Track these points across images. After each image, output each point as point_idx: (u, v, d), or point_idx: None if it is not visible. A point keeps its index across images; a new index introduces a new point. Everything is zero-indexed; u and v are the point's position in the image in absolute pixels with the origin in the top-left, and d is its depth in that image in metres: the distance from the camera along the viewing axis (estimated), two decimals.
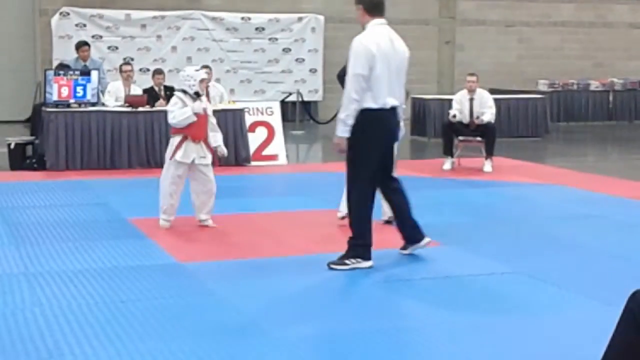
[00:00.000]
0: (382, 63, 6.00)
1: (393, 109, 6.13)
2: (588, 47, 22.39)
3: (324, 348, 4.51)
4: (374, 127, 6.03)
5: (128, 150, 11.27)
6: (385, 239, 7.14)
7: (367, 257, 6.11)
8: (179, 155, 7.36)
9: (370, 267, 6.08)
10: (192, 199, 7.58)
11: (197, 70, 7.62)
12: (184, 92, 7.44)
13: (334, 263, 6.10)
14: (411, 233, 6.45)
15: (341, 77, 15.35)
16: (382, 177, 6.29)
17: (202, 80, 7.48)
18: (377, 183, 6.28)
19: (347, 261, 6.09)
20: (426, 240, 6.45)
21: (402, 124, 6.67)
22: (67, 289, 5.47)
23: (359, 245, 6.12)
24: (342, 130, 6.02)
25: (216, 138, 7.64)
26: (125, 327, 4.71)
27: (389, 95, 6.06)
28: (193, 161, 7.41)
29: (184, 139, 7.38)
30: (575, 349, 4.49)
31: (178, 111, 7.36)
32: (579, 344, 4.55)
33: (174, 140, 7.43)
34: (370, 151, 6.09)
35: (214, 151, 7.59)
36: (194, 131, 7.39)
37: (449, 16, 21.35)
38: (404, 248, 6.53)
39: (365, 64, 5.96)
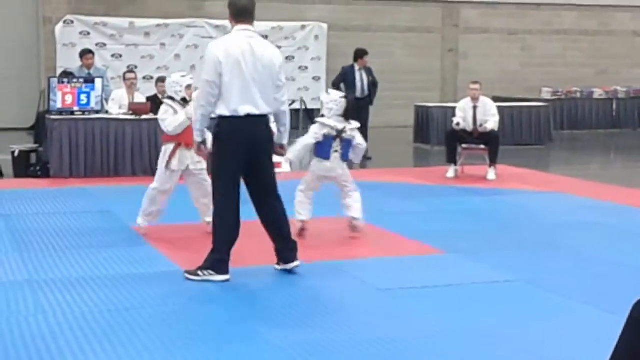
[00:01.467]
0: (232, 69, 5.82)
1: (250, 117, 5.86)
2: (591, 55, 22.40)
3: (324, 355, 4.50)
4: (228, 135, 5.89)
5: (132, 157, 11.29)
6: (386, 247, 7.17)
7: (221, 271, 5.92)
8: (174, 164, 7.36)
9: (225, 281, 5.88)
10: (195, 205, 7.60)
11: (182, 77, 7.56)
12: (172, 98, 7.45)
13: (188, 272, 6.00)
14: (285, 253, 6.23)
15: (336, 85, 15.53)
16: (258, 192, 6.13)
17: (188, 87, 7.48)
18: (253, 199, 6.16)
19: (199, 272, 5.95)
20: (296, 263, 6.20)
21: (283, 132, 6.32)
22: (71, 297, 5.48)
23: (214, 258, 5.96)
24: (195, 135, 6.05)
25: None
26: (129, 334, 4.72)
27: (244, 103, 5.84)
28: (187, 167, 7.41)
29: (177, 146, 7.38)
30: (579, 358, 4.48)
31: (171, 118, 7.35)
32: (582, 353, 4.55)
33: (167, 148, 7.41)
34: (226, 160, 5.94)
35: (207, 157, 7.60)
36: (187, 137, 7.27)
37: (452, 24, 21.38)
38: (277, 264, 6.30)
39: (212, 70, 5.83)
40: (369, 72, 14.16)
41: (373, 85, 14.32)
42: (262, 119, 5.97)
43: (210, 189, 7.11)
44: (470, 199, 9.76)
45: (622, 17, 22.62)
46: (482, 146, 11.60)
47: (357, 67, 14.07)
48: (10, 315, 5.06)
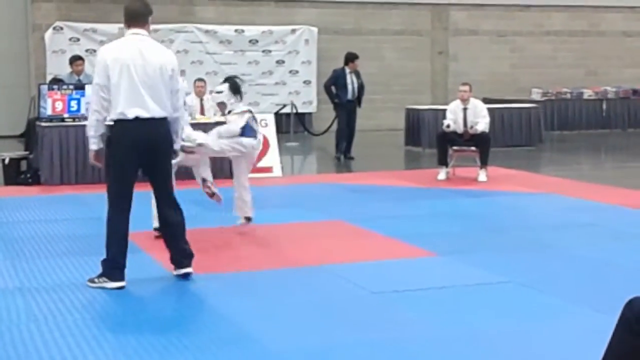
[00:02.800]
0: (120, 72, 5.78)
1: (139, 120, 5.80)
2: (581, 56, 22.48)
3: None
4: (117, 138, 5.87)
5: None
6: (379, 250, 7.17)
7: (115, 278, 5.85)
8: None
9: (120, 288, 5.81)
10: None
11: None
12: None
13: (90, 279, 5.97)
14: (177, 258, 6.19)
15: (328, 87, 15.63)
16: (157, 196, 6.17)
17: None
18: (156, 200, 6.17)
19: (96, 279, 5.92)
20: (189, 269, 6.15)
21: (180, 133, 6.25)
22: (63, 304, 5.46)
23: (107, 265, 5.91)
24: (90, 143, 6.00)
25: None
26: (122, 341, 4.71)
27: (132, 106, 5.78)
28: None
29: None
30: (571, 358, 4.49)
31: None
32: (575, 353, 4.56)
33: None
34: (115, 164, 5.93)
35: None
36: None
37: (442, 27, 21.43)
38: (174, 269, 6.26)
39: (102, 73, 5.82)
40: (357, 75, 14.32)
41: (361, 87, 14.43)
42: (155, 121, 5.87)
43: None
44: (462, 201, 9.77)
45: (611, 18, 22.71)
46: (473, 148, 11.62)
47: (347, 71, 14.21)
48: (2, 323, 5.04)
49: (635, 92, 20.82)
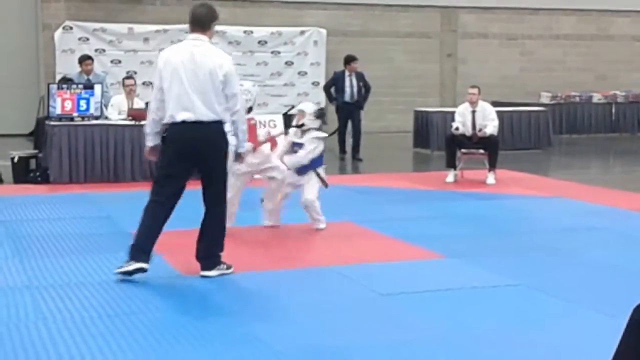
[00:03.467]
0: (170, 76, 5.98)
1: (186, 123, 5.97)
2: (590, 60, 22.43)
3: None
4: (166, 140, 6.15)
5: (131, 163, 11.30)
6: (388, 252, 7.16)
7: (139, 259, 5.98)
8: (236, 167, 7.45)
9: (140, 269, 5.96)
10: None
11: (253, 86, 7.84)
12: None
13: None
14: (202, 261, 6.28)
15: (326, 89, 15.79)
16: (203, 197, 6.25)
17: None
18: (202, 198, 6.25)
19: (124, 264, 6.04)
20: (202, 272, 6.21)
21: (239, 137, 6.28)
22: (71, 302, 5.47)
23: (133, 248, 6.07)
24: (146, 140, 6.34)
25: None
26: (129, 339, 4.71)
27: (181, 109, 5.96)
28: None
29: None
30: None
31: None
32: (583, 356, 4.55)
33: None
34: (162, 162, 6.21)
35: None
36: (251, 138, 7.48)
37: (451, 29, 21.41)
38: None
39: (157, 76, 6.09)
40: (360, 77, 14.44)
41: (365, 90, 14.49)
42: (202, 125, 5.99)
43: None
44: (470, 204, 9.76)
45: (620, 22, 22.66)
46: (482, 151, 11.61)
47: (347, 73, 14.35)
48: (10, 321, 5.06)
49: None
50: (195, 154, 6.05)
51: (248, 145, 6.57)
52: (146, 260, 6.02)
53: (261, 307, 5.44)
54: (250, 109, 7.62)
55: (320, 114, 8.16)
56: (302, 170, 8.03)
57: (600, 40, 22.51)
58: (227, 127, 6.16)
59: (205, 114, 5.97)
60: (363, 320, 5.22)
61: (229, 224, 7.29)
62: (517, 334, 4.92)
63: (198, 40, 6.07)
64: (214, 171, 6.18)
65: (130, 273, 5.98)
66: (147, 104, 12.18)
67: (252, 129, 7.59)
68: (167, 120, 6.04)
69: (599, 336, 4.66)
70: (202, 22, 6.10)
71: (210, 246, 6.26)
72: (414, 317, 5.29)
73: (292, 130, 8.26)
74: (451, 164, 11.66)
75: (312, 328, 5.04)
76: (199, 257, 6.26)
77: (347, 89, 14.32)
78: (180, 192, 6.17)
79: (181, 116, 5.96)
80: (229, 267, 6.29)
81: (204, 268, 6.22)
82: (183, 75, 5.94)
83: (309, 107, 8.20)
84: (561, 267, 6.63)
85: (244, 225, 8.23)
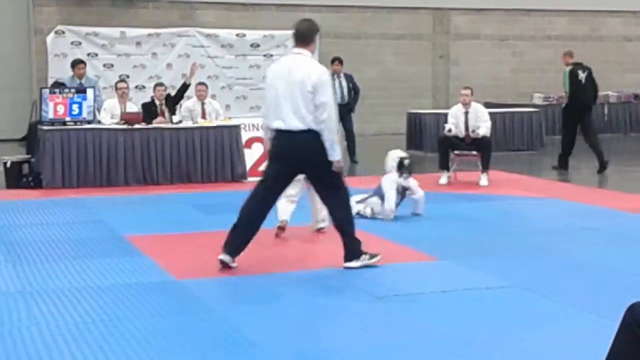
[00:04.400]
0: (271, 88, 6.49)
1: (279, 131, 6.40)
2: (582, 60, 22.31)
3: None
4: (270, 148, 6.62)
5: (124, 167, 11.28)
6: (383, 254, 7.15)
7: (226, 251, 6.48)
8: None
9: (223, 261, 6.44)
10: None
11: None
12: None
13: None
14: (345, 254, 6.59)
15: None
16: (323, 202, 6.78)
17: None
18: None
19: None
20: (346, 264, 6.53)
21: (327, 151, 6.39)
22: (64, 307, 5.46)
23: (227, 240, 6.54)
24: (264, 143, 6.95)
25: None
26: (123, 344, 4.71)
27: (274, 119, 6.42)
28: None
29: None
30: None
31: None
32: (576, 357, 4.56)
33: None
34: (266, 168, 6.71)
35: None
36: None
37: (443, 31, 21.44)
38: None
39: (266, 87, 6.69)
40: (349, 79, 14.43)
41: (354, 92, 14.48)
42: (292, 134, 6.35)
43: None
44: (463, 205, 9.77)
45: (612, 23, 22.72)
46: (474, 152, 11.63)
47: (335, 75, 14.35)
48: (4, 327, 5.04)
49: (636, 96, 20.82)
50: (289, 160, 6.45)
51: (338, 154, 6.51)
52: (231, 253, 6.47)
53: (255, 311, 5.43)
54: None
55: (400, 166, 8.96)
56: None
57: (592, 40, 22.56)
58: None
59: (294, 124, 6.31)
60: (357, 323, 5.22)
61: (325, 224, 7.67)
62: (510, 335, 4.93)
63: (300, 55, 6.52)
64: (321, 176, 6.51)
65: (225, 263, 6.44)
66: (144, 105, 12.22)
67: None
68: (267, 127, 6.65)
69: (591, 337, 4.68)
70: (304, 37, 6.59)
71: (350, 240, 6.54)
72: (408, 320, 5.29)
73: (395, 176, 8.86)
74: (444, 166, 11.67)
75: (306, 331, 5.04)
76: (345, 252, 6.55)
77: (337, 91, 14.28)
78: (278, 194, 6.69)
79: (275, 125, 6.41)
80: (372, 257, 6.58)
81: (346, 260, 6.54)
82: (279, 86, 6.37)
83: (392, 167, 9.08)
84: (554, 268, 6.64)
85: None
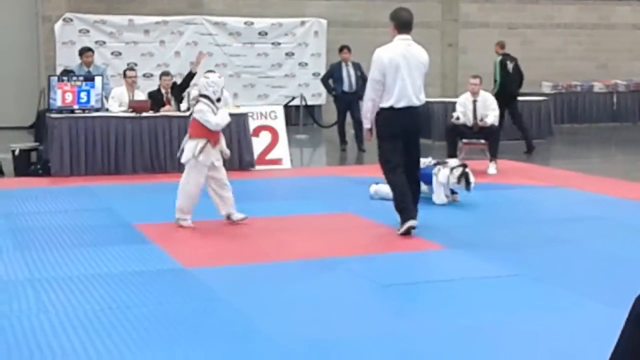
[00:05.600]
0: (395, 71, 7.46)
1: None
2: (591, 49, 22.37)
3: (329, 353, 4.50)
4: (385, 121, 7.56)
5: (132, 155, 11.29)
6: (387, 243, 7.16)
7: (404, 218, 7.31)
8: (202, 158, 7.59)
9: (411, 227, 7.26)
10: (213, 199, 7.85)
11: (219, 77, 7.92)
12: (207, 97, 7.68)
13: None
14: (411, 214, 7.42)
15: (324, 81, 16.07)
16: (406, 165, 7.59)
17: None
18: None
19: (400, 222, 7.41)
20: (413, 222, 7.31)
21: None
22: (73, 295, 5.48)
23: (397, 208, 7.43)
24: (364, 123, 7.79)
25: (222, 141, 7.94)
26: (131, 332, 4.72)
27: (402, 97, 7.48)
28: (212, 164, 7.69)
29: (207, 143, 7.63)
30: (581, 352, 4.48)
31: (217, 117, 7.65)
32: (584, 347, 4.55)
33: (199, 143, 7.61)
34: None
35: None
36: (215, 136, 7.73)
37: (452, 19, 21.35)
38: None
39: (379, 71, 7.50)
40: (357, 67, 14.44)
41: (362, 80, 14.46)
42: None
43: (228, 183, 7.77)
44: (471, 194, 9.73)
45: (622, 11, 22.59)
46: (482, 141, 11.60)
47: (343, 63, 14.37)
48: (12, 314, 5.06)
49: None
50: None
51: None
52: (410, 217, 7.26)
53: (262, 300, 5.44)
54: (218, 100, 7.74)
55: None
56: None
57: (602, 29, 22.45)
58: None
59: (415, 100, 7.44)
60: (364, 311, 5.22)
61: (186, 221, 7.59)
62: (518, 325, 4.93)
63: (409, 41, 7.59)
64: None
65: (408, 230, 7.23)
66: (150, 93, 12.21)
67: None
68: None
69: (601, 326, 4.66)
70: (407, 25, 7.67)
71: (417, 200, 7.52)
72: (416, 308, 5.29)
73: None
74: (452, 154, 11.62)
75: (313, 320, 5.04)
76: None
77: (345, 79, 14.33)
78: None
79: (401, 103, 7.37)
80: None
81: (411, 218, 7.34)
82: (404, 70, 7.35)
83: None
84: (563, 257, 6.63)
85: (250, 217, 8.23)
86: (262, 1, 19.63)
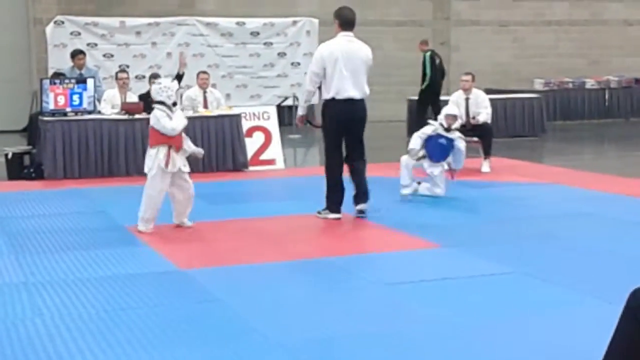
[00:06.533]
0: (333, 64, 7.96)
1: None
2: (583, 45, 22.42)
3: (325, 352, 4.50)
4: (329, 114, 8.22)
5: (125, 157, 11.27)
6: (383, 242, 7.17)
7: (334, 210, 8.06)
8: (170, 166, 7.49)
9: (337, 219, 7.98)
10: (173, 205, 7.74)
11: (172, 81, 7.80)
12: (162, 103, 7.56)
13: (317, 211, 8.13)
14: (359, 195, 8.13)
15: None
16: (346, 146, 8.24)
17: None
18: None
19: (321, 211, 8.13)
20: (364, 206, 8.07)
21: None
22: (68, 298, 5.47)
23: (328, 201, 8.13)
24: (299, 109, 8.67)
25: (188, 143, 7.84)
26: (127, 334, 4.71)
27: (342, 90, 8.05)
28: (179, 169, 7.58)
29: (169, 149, 7.51)
30: (577, 348, 4.49)
31: (174, 121, 7.51)
32: (581, 343, 4.55)
33: (160, 151, 7.50)
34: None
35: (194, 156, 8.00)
36: (177, 141, 7.60)
37: (443, 17, 21.38)
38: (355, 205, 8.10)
39: (319, 64, 8.01)
40: None
41: None
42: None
43: (192, 192, 7.72)
44: (465, 192, 9.76)
45: (613, 7, 22.64)
46: (475, 139, 11.60)
47: None
48: (7, 318, 5.05)
49: (637, 81, 20.79)
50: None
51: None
52: (339, 211, 7.99)
53: (259, 300, 5.43)
54: (174, 104, 7.62)
55: None
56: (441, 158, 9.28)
57: (593, 25, 22.50)
58: None
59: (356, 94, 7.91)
60: (360, 310, 5.22)
61: (148, 229, 7.53)
62: (514, 322, 4.93)
63: (350, 37, 8.05)
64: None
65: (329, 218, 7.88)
66: (140, 96, 12.18)
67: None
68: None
69: (596, 322, 4.67)
70: (351, 23, 8.12)
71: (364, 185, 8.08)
72: (411, 307, 5.30)
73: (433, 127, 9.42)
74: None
75: (311, 319, 5.04)
76: (361, 194, 8.05)
77: None
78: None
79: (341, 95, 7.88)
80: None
81: (362, 202, 8.03)
82: (341, 64, 7.80)
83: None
84: (557, 254, 6.64)
85: (245, 217, 8.24)
86: (254, 1, 19.61)
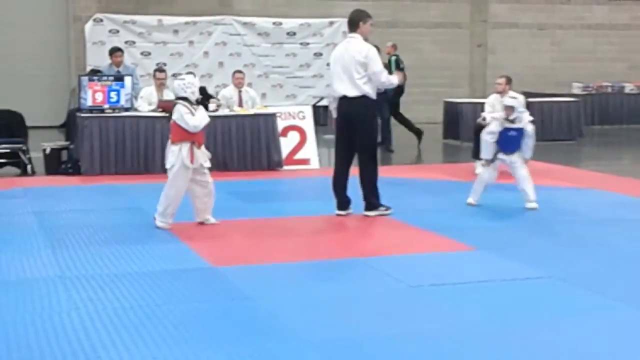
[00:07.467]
0: (333, 63, 8.46)
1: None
2: (622, 50, 22.16)
3: (357, 352, 4.50)
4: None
5: (161, 154, 11.26)
6: (417, 243, 7.14)
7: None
8: (189, 162, 7.50)
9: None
10: (194, 202, 7.75)
11: (194, 77, 7.84)
12: (186, 99, 7.58)
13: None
14: (365, 203, 8.27)
15: None
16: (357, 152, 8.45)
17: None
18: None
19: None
20: (368, 213, 8.19)
21: None
22: (103, 293, 5.52)
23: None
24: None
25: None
26: (160, 330, 4.74)
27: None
28: (201, 165, 7.61)
29: (191, 145, 7.54)
30: (611, 355, 4.44)
31: (196, 119, 7.54)
32: (615, 350, 4.50)
33: (184, 147, 7.51)
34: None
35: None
36: (199, 137, 7.62)
37: (481, 19, 21.25)
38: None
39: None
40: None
41: None
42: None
43: (212, 188, 7.63)
44: (501, 195, 9.68)
45: None
46: None
47: None
48: (43, 311, 5.11)
49: None
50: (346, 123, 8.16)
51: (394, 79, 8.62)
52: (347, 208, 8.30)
53: (290, 298, 5.44)
54: (197, 101, 7.65)
55: None
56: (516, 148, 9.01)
57: (633, 29, 22.23)
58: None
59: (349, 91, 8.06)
60: (391, 312, 5.21)
61: (167, 224, 7.53)
62: (548, 327, 4.89)
63: (352, 38, 8.24)
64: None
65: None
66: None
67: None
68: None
69: (631, 330, 4.62)
70: (351, 23, 8.37)
71: (367, 194, 8.23)
72: (444, 309, 5.27)
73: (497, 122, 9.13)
74: (479, 155, 11.55)
75: (341, 319, 5.03)
76: (366, 202, 8.24)
77: None
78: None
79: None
80: (387, 209, 8.24)
81: (366, 209, 8.20)
82: (337, 64, 8.12)
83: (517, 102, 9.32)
84: (592, 260, 6.57)
85: (278, 216, 8.26)
86: (291, 1, 19.65)
